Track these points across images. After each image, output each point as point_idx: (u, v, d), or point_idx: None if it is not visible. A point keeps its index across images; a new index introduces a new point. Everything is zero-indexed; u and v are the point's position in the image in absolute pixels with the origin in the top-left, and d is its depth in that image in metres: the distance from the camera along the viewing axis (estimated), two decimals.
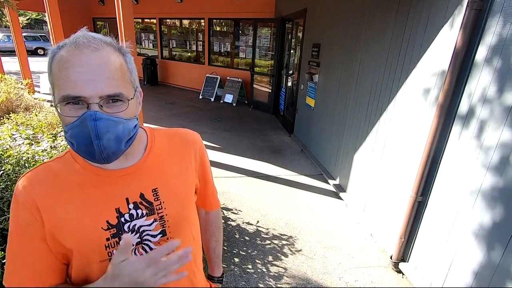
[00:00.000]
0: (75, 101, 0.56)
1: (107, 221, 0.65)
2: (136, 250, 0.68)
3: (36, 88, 7.00)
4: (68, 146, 0.72)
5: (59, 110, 0.57)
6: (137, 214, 0.68)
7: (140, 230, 0.68)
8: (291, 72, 5.91)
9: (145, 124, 0.79)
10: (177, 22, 9.20)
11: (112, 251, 0.66)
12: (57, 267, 0.67)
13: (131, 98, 0.61)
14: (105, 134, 0.57)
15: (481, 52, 1.61)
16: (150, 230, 0.69)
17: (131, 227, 0.67)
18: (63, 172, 0.66)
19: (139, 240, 0.68)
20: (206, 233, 0.98)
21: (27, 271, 0.64)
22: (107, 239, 0.65)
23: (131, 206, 0.67)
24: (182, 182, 0.76)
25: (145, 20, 9.87)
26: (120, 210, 0.66)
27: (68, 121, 0.57)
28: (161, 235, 0.71)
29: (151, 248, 0.70)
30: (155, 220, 0.70)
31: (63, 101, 0.56)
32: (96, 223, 0.64)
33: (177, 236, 0.74)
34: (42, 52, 16.97)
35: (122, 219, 0.66)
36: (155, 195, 0.70)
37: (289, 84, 5.91)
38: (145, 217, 0.69)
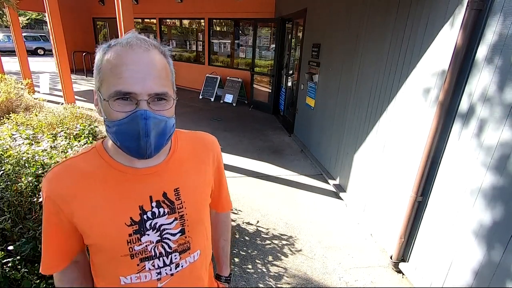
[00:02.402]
0: (125, 97, 0.59)
1: (131, 218, 0.67)
2: (156, 247, 0.70)
3: (36, 88, 7.00)
4: (93, 142, 0.74)
5: (109, 104, 0.60)
6: (159, 212, 0.70)
7: (161, 229, 0.70)
8: (291, 72, 5.91)
9: None
10: (177, 22, 9.20)
11: (134, 246, 0.68)
12: (81, 247, 0.72)
13: (174, 98, 0.65)
14: (152, 132, 0.60)
15: (481, 52, 1.61)
16: (170, 229, 0.71)
17: (152, 225, 0.69)
18: (89, 167, 0.68)
19: (159, 238, 0.70)
20: (215, 232, 0.99)
21: (53, 257, 0.70)
22: (130, 235, 0.67)
23: (154, 204, 0.69)
24: (201, 184, 0.78)
25: (145, 20, 9.87)
26: (144, 208, 0.68)
27: (116, 116, 0.60)
28: (180, 233, 0.73)
29: (170, 246, 0.72)
30: (175, 219, 0.72)
31: (114, 96, 0.59)
32: (120, 219, 0.67)
33: (194, 235, 0.76)
34: (42, 52, 16.96)
35: (145, 217, 0.68)
36: (176, 194, 0.72)
37: (289, 84, 5.91)
38: (166, 216, 0.71)
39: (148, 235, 0.69)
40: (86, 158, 0.69)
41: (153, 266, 0.71)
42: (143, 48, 0.59)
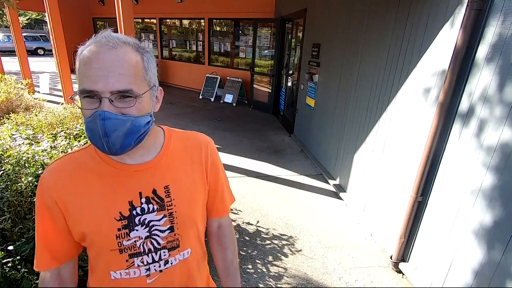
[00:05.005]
0: (90, 95, 0.60)
1: (120, 212, 0.69)
2: (144, 243, 0.72)
3: (36, 88, 7.00)
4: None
5: (78, 103, 0.63)
6: (148, 208, 0.71)
7: (150, 225, 0.72)
8: (291, 72, 5.91)
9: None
10: (177, 22, 9.20)
11: (122, 241, 0.69)
12: (75, 245, 0.73)
13: (141, 95, 0.63)
14: (113, 132, 0.60)
15: (481, 52, 1.61)
16: (159, 225, 0.73)
17: (141, 221, 0.71)
18: (85, 162, 0.71)
19: (148, 234, 0.71)
20: (219, 245, 0.92)
21: (46, 251, 0.71)
22: (118, 229, 0.68)
23: (143, 200, 0.71)
24: (192, 183, 0.79)
25: (145, 20, 9.87)
26: (133, 203, 0.70)
27: (85, 113, 0.62)
28: (169, 230, 0.74)
29: (158, 243, 0.73)
30: (164, 216, 0.73)
31: (81, 95, 0.61)
32: (109, 213, 0.68)
33: (184, 233, 0.76)
34: (42, 52, 16.96)
35: (134, 212, 0.70)
36: (166, 192, 0.73)
37: (289, 84, 5.91)
38: (155, 212, 0.72)
39: (137, 230, 0.70)
40: (83, 154, 0.73)
41: (142, 262, 0.72)
42: (109, 46, 0.60)
